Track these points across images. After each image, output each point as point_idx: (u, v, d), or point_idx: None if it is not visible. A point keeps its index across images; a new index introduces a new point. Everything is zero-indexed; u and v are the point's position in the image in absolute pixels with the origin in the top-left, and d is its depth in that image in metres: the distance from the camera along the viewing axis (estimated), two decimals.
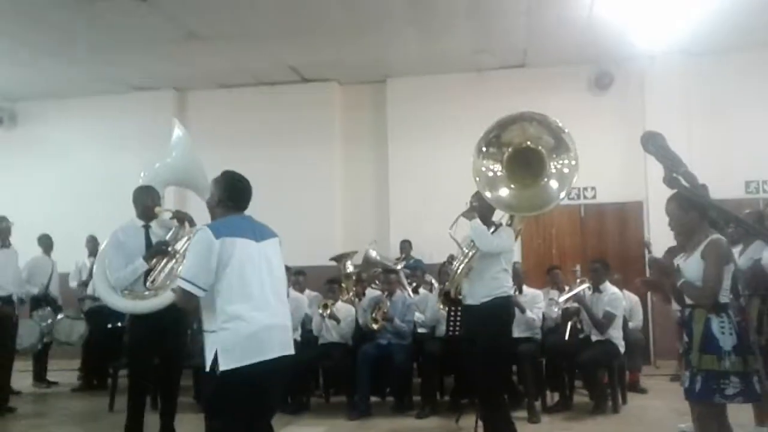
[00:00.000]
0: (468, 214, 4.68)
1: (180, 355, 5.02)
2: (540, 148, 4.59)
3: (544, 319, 6.38)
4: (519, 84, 8.99)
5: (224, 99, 9.94)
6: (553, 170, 4.53)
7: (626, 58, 8.76)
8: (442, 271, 6.62)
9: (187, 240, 4.33)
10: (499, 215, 4.83)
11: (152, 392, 5.42)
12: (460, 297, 4.81)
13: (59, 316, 7.49)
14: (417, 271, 7.72)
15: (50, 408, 7.00)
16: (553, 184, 4.54)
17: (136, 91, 9.81)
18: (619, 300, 6.02)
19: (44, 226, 8.23)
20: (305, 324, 6.73)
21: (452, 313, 5.85)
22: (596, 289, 6.11)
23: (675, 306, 3.57)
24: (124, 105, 9.84)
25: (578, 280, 6.31)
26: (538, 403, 5.94)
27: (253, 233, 3.25)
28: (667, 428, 5.29)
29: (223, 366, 3.04)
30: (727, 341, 3.19)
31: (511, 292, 4.85)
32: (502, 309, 4.70)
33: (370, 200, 9.59)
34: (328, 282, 6.90)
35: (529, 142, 4.60)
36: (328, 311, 6.38)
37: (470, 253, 4.62)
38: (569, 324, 6.24)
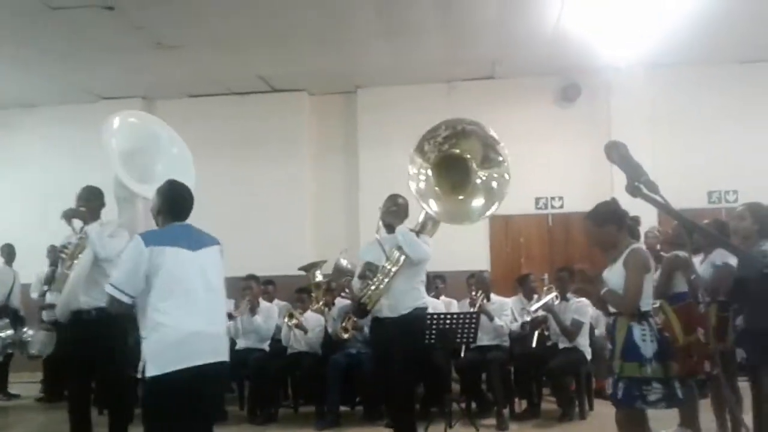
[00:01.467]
0: (392, 219, 4.58)
1: (114, 363, 4.42)
2: (467, 156, 4.57)
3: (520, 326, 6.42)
4: (488, 95, 9.09)
5: (193, 108, 9.86)
6: (479, 181, 4.54)
7: (593, 70, 8.91)
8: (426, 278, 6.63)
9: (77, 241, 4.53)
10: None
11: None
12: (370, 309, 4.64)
13: (26, 329, 7.33)
14: None
15: (14, 421, 6.86)
16: (479, 197, 4.56)
17: (104, 100, 9.69)
18: (585, 308, 6.10)
19: (7, 236, 8.08)
20: (275, 334, 6.70)
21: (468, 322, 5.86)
22: (563, 297, 6.18)
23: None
24: (91, 114, 9.67)
25: (545, 288, 6.39)
26: (506, 411, 5.98)
27: (188, 242, 3.32)
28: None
29: (149, 372, 3.14)
30: (648, 348, 3.28)
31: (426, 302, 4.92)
32: (422, 320, 4.76)
33: (340, 210, 9.58)
34: (297, 291, 6.89)
35: (457, 150, 4.57)
36: (294, 321, 6.37)
37: (399, 262, 4.49)
38: (536, 332, 6.31)
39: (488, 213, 4.62)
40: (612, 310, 3.51)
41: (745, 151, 8.74)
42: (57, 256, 4.72)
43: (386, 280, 4.43)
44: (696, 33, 7.78)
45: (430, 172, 4.49)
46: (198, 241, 3.38)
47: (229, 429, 5.88)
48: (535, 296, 6.56)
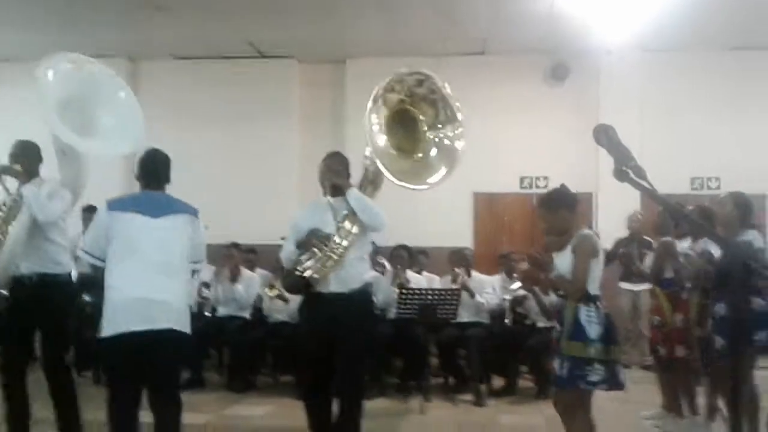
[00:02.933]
0: (340, 180, 3.88)
1: (57, 329, 4.12)
2: (417, 113, 4.05)
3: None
4: (478, 71, 9.04)
5: (179, 70, 9.70)
6: (431, 141, 4.05)
7: (583, 51, 8.89)
8: (395, 254, 6.64)
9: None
10: None
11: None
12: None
13: None
14: (370, 253, 7.73)
15: None
16: (434, 155, 4.06)
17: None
18: None
19: None
20: (256, 302, 6.69)
21: (403, 296, 5.89)
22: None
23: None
24: None
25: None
26: (483, 387, 6.05)
27: (150, 209, 3.43)
28: (608, 413, 5.46)
29: (100, 333, 3.32)
30: (593, 330, 3.36)
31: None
32: (371, 297, 4.26)
33: None
34: (278, 261, 6.85)
35: (408, 106, 4.03)
36: (275, 292, 6.35)
37: (352, 230, 3.78)
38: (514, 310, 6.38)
39: (442, 174, 4.05)
40: (561, 293, 3.63)
41: (731, 138, 8.82)
42: None
43: (340, 250, 3.72)
44: (687, 18, 7.78)
45: (384, 129, 3.93)
46: (163, 208, 3.47)
47: (207, 395, 5.90)
48: (515, 275, 6.59)
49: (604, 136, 3.45)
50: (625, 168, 3.33)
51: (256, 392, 6.23)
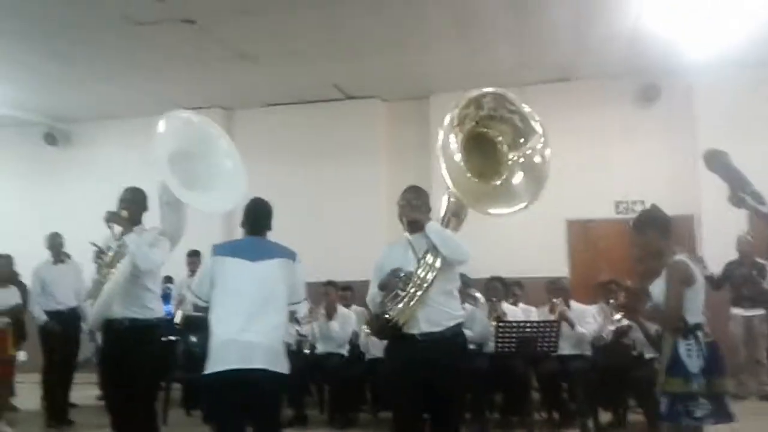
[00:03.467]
0: (418, 214, 3.70)
1: (142, 375, 4.16)
2: (495, 134, 3.82)
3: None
4: (562, 98, 8.91)
5: (270, 117, 10.10)
6: (512, 162, 3.79)
7: (673, 69, 8.62)
8: (490, 286, 6.56)
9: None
10: None
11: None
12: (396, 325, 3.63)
13: None
14: (461, 286, 7.66)
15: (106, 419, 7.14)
16: (519, 175, 3.80)
17: (185, 111, 10.03)
18: None
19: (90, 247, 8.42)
20: (353, 339, 6.75)
21: (501, 329, 5.79)
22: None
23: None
24: None
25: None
26: (590, 422, 5.82)
27: (250, 254, 3.62)
28: None
29: (204, 371, 3.52)
30: (694, 364, 3.19)
31: None
32: (463, 334, 3.87)
33: None
34: None
35: (483, 128, 3.80)
36: (371, 329, 6.37)
37: (434, 265, 3.58)
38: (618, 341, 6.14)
39: (532, 194, 3.78)
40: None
41: None
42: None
43: (420, 290, 3.53)
44: None
45: (462, 157, 3.66)
46: (262, 252, 3.65)
47: None
48: (615, 303, 6.35)
49: (717, 162, 3.35)
50: (742, 194, 3.22)
51: (357, 429, 6.26)
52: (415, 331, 3.54)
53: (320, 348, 6.75)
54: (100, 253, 4.16)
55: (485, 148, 3.81)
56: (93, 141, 10.62)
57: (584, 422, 5.70)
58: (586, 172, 8.63)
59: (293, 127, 9.90)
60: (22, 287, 6.47)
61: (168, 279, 8.90)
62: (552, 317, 6.07)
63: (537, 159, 3.81)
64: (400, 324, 3.50)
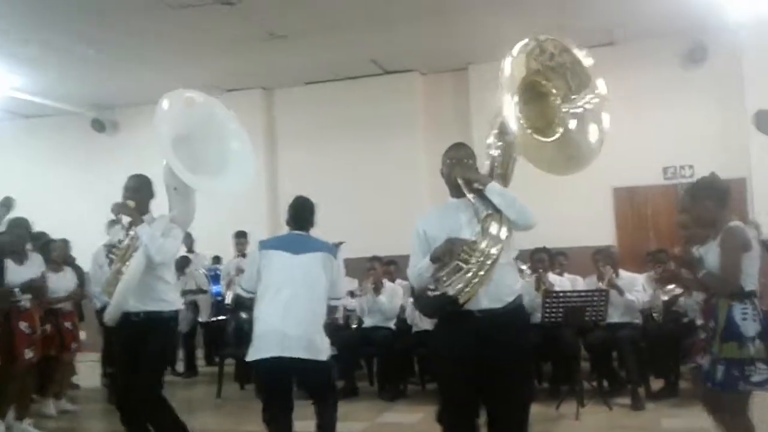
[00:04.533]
0: (474, 174, 3.20)
1: (151, 366, 4.00)
2: (549, 86, 3.37)
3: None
4: (607, 62, 8.47)
5: (309, 95, 10.14)
6: (570, 113, 3.34)
7: (720, 28, 8.32)
8: (535, 257, 6.52)
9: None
10: None
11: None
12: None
13: None
14: None
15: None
16: (574, 127, 3.33)
17: (227, 93, 10.14)
18: None
19: None
20: (400, 313, 6.82)
21: (548, 300, 5.76)
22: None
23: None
24: None
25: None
26: (641, 390, 5.78)
27: (293, 247, 3.83)
28: None
29: (246, 357, 3.82)
30: (749, 327, 3.13)
31: None
32: (525, 309, 3.49)
33: None
34: None
35: (539, 78, 3.36)
36: None
37: (500, 233, 3.07)
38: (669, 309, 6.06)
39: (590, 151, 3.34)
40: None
41: None
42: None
43: (491, 258, 3.00)
44: None
45: (519, 107, 3.20)
46: (304, 246, 3.84)
47: (360, 404, 6.07)
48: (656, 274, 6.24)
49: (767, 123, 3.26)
50: None
51: (406, 400, 6.34)
52: (473, 307, 3.02)
53: (368, 322, 6.84)
54: (111, 247, 3.98)
55: (538, 100, 3.35)
56: (138, 126, 10.80)
57: (635, 390, 5.66)
58: (632, 138, 8.42)
59: (332, 104, 9.93)
60: (78, 270, 6.68)
61: (216, 259, 9.11)
62: (600, 285, 6.02)
63: (594, 115, 3.37)
64: (461, 302, 2.96)
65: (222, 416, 6.26)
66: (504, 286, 3.11)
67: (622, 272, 6.29)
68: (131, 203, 3.95)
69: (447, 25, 8.20)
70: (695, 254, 3.44)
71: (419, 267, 3.15)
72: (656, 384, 6.03)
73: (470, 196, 3.12)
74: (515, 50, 3.22)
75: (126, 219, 3.96)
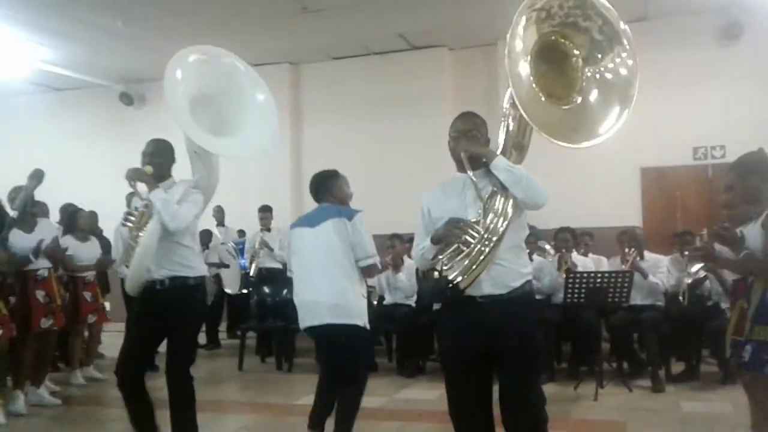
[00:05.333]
0: (479, 149, 2.94)
1: (182, 332, 3.81)
2: (570, 45, 3.00)
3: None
4: (639, 38, 8.34)
5: (336, 70, 10.11)
6: (594, 77, 2.99)
7: (757, 5, 8.07)
8: (559, 237, 6.47)
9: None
10: None
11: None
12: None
13: None
14: (530, 237, 7.58)
15: None
16: (594, 98, 2.99)
17: (255, 67, 10.11)
18: None
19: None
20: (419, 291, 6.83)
21: (570, 281, 5.72)
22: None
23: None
24: None
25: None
26: (662, 372, 5.74)
27: (311, 221, 3.93)
28: None
29: None
30: None
31: None
32: (533, 296, 3.13)
33: None
34: None
35: (559, 38, 2.99)
36: None
37: (506, 212, 2.81)
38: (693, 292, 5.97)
39: (615, 117, 2.99)
40: None
41: None
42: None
43: (488, 247, 2.74)
44: None
45: (531, 70, 2.88)
46: (320, 217, 3.89)
47: (380, 380, 6.12)
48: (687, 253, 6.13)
49: None
50: None
51: (425, 377, 6.37)
52: (476, 293, 2.80)
53: (388, 299, 6.87)
54: (127, 215, 3.75)
55: (556, 63, 3.00)
56: (159, 103, 10.91)
57: (655, 372, 5.62)
58: (662, 117, 8.26)
59: (359, 79, 9.89)
60: (104, 241, 6.79)
61: (241, 233, 9.20)
62: (624, 268, 5.95)
63: (619, 78, 3.01)
64: (462, 286, 2.75)
65: (244, 388, 6.36)
66: (510, 271, 2.84)
67: (647, 254, 6.21)
68: (149, 169, 3.74)
69: (475, 1, 8.08)
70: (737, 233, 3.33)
71: (421, 248, 2.94)
72: (677, 367, 5.98)
73: (470, 173, 2.87)
74: (515, 27, 2.87)
75: (141, 186, 3.74)
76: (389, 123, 9.69)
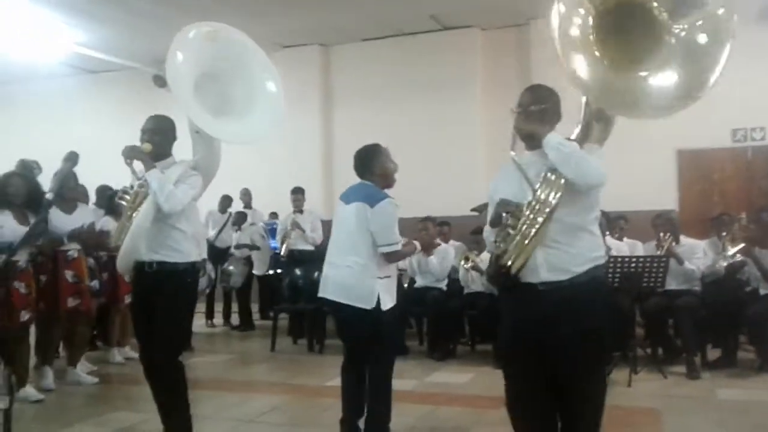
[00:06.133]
0: (534, 126, 2.76)
1: (166, 319, 3.59)
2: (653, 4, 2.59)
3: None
4: None
5: (366, 52, 10.06)
6: (674, 41, 2.56)
7: None
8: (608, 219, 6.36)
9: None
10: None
11: None
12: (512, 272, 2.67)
13: (227, 265, 8.24)
14: None
15: (219, 345, 7.71)
16: (675, 66, 2.56)
17: (285, 49, 10.13)
18: None
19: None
20: (451, 273, 6.80)
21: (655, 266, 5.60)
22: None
23: None
24: (275, 63, 10.14)
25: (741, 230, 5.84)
26: (697, 359, 5.65)
27: (348, 197, 3.90)
28: None
29: None
30: None
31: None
32: (604, 284, 3.00)
33: None
34: (472, 233, 6.90)
35: None
36: (471, 263, 6.39)
37: (554, 194, 2.63)
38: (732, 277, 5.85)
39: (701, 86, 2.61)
40: None
41: None
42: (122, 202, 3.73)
43: (537, 224, 2.61)
44: None
45: (593, 29, 2.58)
46: (354, 195, 3.87)
47: (411, 363, 6.13)
48: (728, 237, 5.99)
49: None
50: None
51: (456, 360, 6.36)
52: (533, 280, 2.65)
53: (419, 282, 6.85)
54: (123, 193, 3.67)
55: (633, 21, 2.63)
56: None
57: (691, 359, 5.52)
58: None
59: (389, 61, 9.83)
60: None
61: (273, 215, 9.26)
62: (659, 253, 5.85)
63: (709, 36, 2.60)
64: (514, 269, 2.61)
65: (275, 369, 6.42)
66: (570, 255, 2.65)
67: (683, 238, 6.08)
68: (147, 146, 3.59)
69: None
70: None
71: (487, 231, 2.93)
72: (713, 354, 5.88)
73: (512, 153, 2.75)
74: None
75: (138, 164, 3.58)
76: (420, 105, 9.63)
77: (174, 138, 3.76)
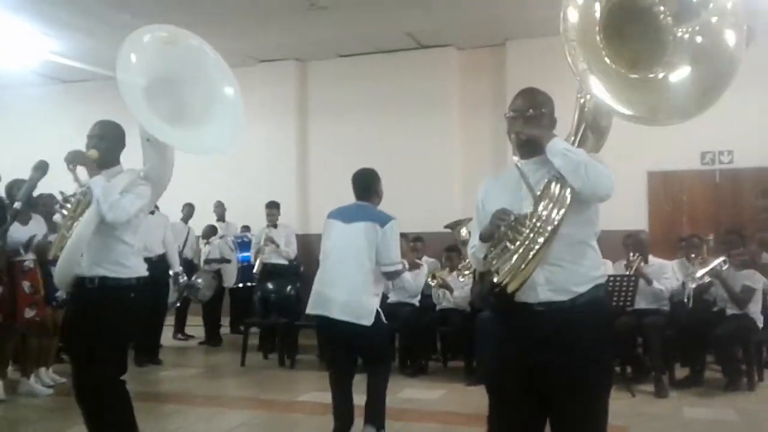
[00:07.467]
0: (534, 131, 2.50)
1: (107, 344, 3.33)
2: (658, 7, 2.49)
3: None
4: None
5: (343, 68, 10.07)
6: (679, 42, 2.46)
7: (766, 10, 8.02)
8: None
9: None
10: None
11: None
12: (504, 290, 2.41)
13: (195, 277, 8.12)
14: None
15: (189, 358, 7.61)
16: (683, 66, 2.47)
17: (261, 63, 10.12)
18: (756, 274, 5.66)
19: (185, 196, 8.73)
20: (424, 290, 6.82)
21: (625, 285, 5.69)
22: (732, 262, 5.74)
23: None
24: (249, 77, 10.20)
25: (714, 255, 5.94)
26: (665, 377, 5.72)
27: (347, 216, 4.03)
28: None
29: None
30: None
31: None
32: (604, 305, 2.81)
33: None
34: (446, 250, 6.94)
35: None
36: (437, 281, 6.44)
37: (563, 203, 2.38)
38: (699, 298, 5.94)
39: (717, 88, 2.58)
40: None
41: None
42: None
43: (537, 244, 2.32)
44: None
45: (598, 31, 2.47)
46: (356, 216, 4.00)
47: None
48: (698, 259, 6.11)
49: None
50: None
51: (427, 377, 6.36)
52: (531, 299, 2.39)
53: (392, 297, 6.85)
54: (64, 201, 3.44)
55: (636, 24, 2.53)
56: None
57: (659, 377, 5.59)
58: None
59: (366, 77, 9.86)
60: None
61: (246, 228, 9.20)
62: (629, 272, 5.92)
63: (719, 38, 2.49)
64: (510, 290, 2.34)
65: (245, 384, 6.36)
66: (571, 273, 2.40)
67: (652, 258, 6.19)
68: (93, 153, 3.36)
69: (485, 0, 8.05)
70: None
71: (472, 246, 2.60)
72: (681, 373, 5.96)
73: (516, 159, 2.52)
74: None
75: (80, 170, 3.34)
76: (396, 122, 9.66)
77: (122, 145, 3.56)
